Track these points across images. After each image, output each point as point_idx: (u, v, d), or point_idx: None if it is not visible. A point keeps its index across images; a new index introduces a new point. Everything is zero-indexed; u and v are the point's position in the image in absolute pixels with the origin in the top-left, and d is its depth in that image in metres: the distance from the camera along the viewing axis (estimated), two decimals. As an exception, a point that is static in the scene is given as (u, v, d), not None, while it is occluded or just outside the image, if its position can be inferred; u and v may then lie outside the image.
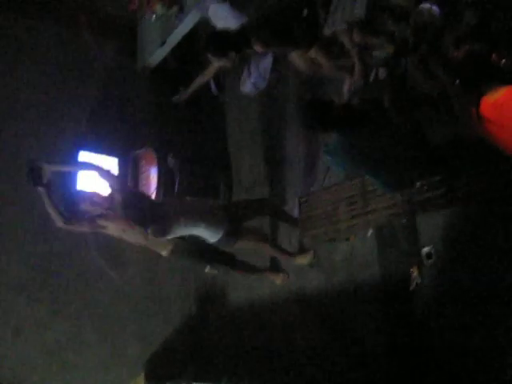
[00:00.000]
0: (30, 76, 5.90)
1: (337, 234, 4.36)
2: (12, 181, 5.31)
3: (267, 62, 5.14)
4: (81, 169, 5.09)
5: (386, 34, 3.77)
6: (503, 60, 2.81)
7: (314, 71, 4.74)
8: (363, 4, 3.96)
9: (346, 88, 4.44)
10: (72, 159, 5.43)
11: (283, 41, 4.41)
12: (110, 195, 4.34)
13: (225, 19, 5.01)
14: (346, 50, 4.26)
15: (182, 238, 4.63)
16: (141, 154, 5.82)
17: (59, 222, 4.25)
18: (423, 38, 3.41)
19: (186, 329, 6.15)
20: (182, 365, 5.95)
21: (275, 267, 5.33)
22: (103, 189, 4.44)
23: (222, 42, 4.59)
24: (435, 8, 3.44)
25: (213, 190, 5.72)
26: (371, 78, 4.00)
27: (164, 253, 4.72)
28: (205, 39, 4.81)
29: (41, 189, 4.14)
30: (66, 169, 4.84)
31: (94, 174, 4.37)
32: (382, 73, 3.89)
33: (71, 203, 4.38)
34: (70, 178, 5.24)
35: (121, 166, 5.85)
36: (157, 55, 6.02)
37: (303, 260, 5.04)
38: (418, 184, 3.66)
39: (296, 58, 4.63)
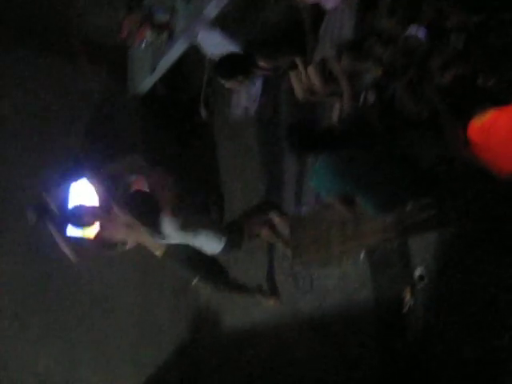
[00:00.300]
0: (18, 103, 5.90)
1: (329, 258, 4.36)
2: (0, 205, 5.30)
3: (257, 86, 5.18)
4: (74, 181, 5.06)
5: (374, 58, 3.80)
6: (489, 82, 2.85)
7: (308, 94, 4.76)
8: (351, 26, 4.01)
9: (335, 112, 4.46)
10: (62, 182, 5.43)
11: (286, 52, 4.44)
12: (104, 201, 4.34)
13: (215, 46, 5.04)
14: (334, 76, 4.30)
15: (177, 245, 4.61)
16: (131, 181, 5.80)
17: (74, 258, 4.23)
18: (411, 61, 3.45)
19: (179, 352, 6.11)
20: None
21: (268, 288, 5.29)
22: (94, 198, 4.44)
23: (229, 65, 4.61)
24: (422, 32, 3.49)
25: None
26: (360, 102, 4.03)
27: (158, 252, 4.66)
28: (214, 65, 4.82)
29: (51, 226, 4.12)
30: (64, 190, 4.82)
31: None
32: (371, 96, 3.92)
33: (72, 220, 4.37)
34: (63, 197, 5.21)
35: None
36: (147, 82, 6.04)
37: (267, 301, 5.06)
38: (409, 206, 3.67)
39: (293, 79, 4.67)
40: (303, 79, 4.49)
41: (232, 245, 4.52)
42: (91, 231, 4.60)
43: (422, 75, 3.34)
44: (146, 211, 4.29)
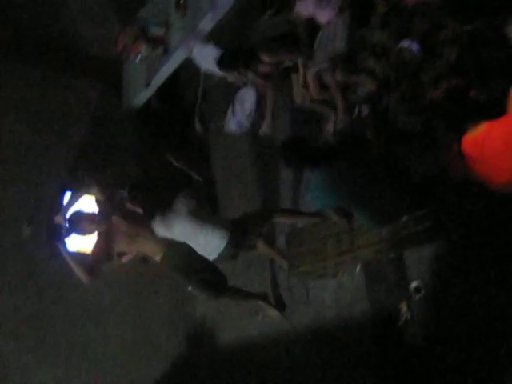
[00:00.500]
0: (14, 117, 5.90)
1: (325, 271, 4.35)
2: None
3: (251, 101, 5.20)
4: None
5: (367, 72, 3.83)
6: (482, 95, 2.86)
7: (305, 99, 4.78)
8: (343, 38, 4.04)
9: (329, 125, 4.48)
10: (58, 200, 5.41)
11: (288, 47, 4.46)
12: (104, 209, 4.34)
13: (209, 60, 5.07)
14: (329, 88, 4.33)
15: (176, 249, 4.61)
16: (125, 196, 5.80)
17: (86, 280, 4.20)
18: (404, 74, 3.47)
19: (175, 367, 6.06)
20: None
21: (271, 299, 5.28)
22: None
23: (231, 57, 4.62)
24: (415, 45, 3.52)
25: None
26: (354, 115, 4.05)
27: (157, 257, 4.62)
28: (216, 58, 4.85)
29: (60, 247, 4.11)
30: (70, 206, 4.81)
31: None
32: (365, 109, 3.94)
33: (71, 225, 4.35)
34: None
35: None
36: (142, 96, 6.06)
37: (272, 313, 5.06)
38: (404, 219, 3.67)
39: (294, 82, 4.69)
40: (301, 84, 4.52)
41: (234, 244, 4.48)
42: (88, 245, 4.58)
43: (415, 88, 3.36)
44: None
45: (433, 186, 3.52)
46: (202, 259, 4.50)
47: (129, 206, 4.76)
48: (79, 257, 4.36)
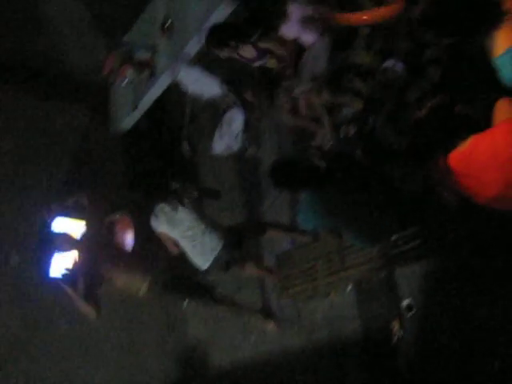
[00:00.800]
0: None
1: (316, 291, 4.34)
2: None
3: (239, 122, 5.21)
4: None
5: (353, 92, 3.86)
6: (467, 110, 2.88)
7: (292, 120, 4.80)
8: (327, 59, 4.07)
9: (318, 145, 4.50)
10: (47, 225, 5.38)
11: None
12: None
13: (196, 82, 5.09)
14: (315, 109, 4.35)
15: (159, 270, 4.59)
16: (115, 219, 5.78)
17: (93, 314, 4.19)
18: (390, 94, 3.50)
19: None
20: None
21: (266, 311, 5.26)
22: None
23: (220, 33, 4.60)
24: (399, 65, 3.55)
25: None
26: (341, 135, 4.07)
27: (141, 291, 4.59)
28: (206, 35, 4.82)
29: (64, 284, 4.10)
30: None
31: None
32: (352, 129, 3.97)
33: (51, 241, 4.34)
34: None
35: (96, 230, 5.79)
36: (129, 119, 6.06)
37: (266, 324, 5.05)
38: (394, 237, 3.69)
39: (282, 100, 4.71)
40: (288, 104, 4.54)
41: (229, 249, 4.51)
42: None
43: (401, 107, 3.39)
44: None
45: (421, 203, 3.53)
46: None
47: (117, 238, 4.78)
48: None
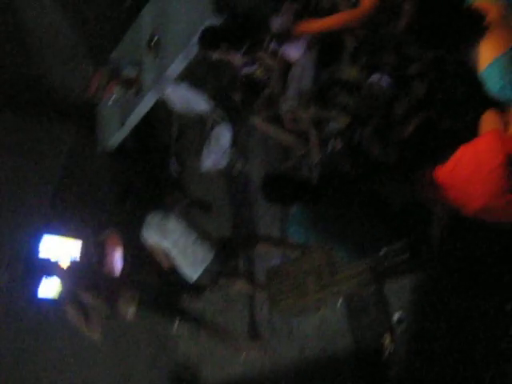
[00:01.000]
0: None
1: (307, 306, 4.34)
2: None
3: (226, 138, 5.22)
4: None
5: (339, 106, 3.87)
6: (453, 124, 2.90)
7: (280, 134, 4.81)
8: (313, 74, 4.09)
9: (307, 160, 4.51)
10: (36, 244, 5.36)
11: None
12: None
13: (183, 99, 5.09)
14: (302, 124, 4.36)
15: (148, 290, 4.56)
16: (104, 237, 5.75)
17: (96, 336, 4.17)
18: (376, 108, 3.51)
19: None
20: None
21: (254, 331, 5.24)
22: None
23: (212, 35, 4.60)
24: (385, 79, 3.56)
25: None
26: (328, 150, 4.08)
27: (129, 313, 4.56)
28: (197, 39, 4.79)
29: (70, 310, 4.08)
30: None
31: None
32: (339, 144, 3.97)
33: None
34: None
35: (85, 248, 5.77)
36: (116, 137, 6.05)
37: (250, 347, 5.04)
38: (383, 250, 3.68)
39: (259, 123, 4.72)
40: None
41: (219, 260, 4.51)
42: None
43: (388, 121, 3.40)
44: None
45: (410, 216, 3.54)
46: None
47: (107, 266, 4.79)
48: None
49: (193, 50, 5.03)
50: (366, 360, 4.27)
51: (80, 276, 4.42)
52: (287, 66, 4.33)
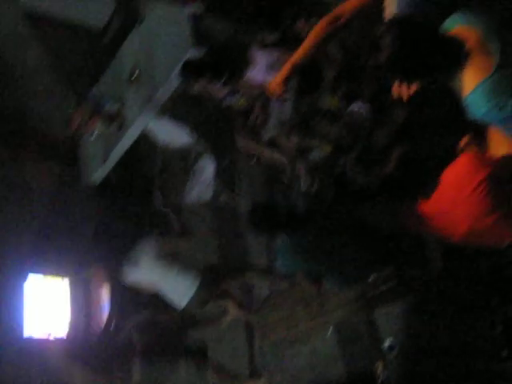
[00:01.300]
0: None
1: (297, 337, 4.31)
2: None
3: (210, 170, 5.22)
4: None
5: (321, 136, 3.89)
6: (434, 153, 2.92)
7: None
8: (290, 104, 4.12)
9: (292, 189, 4.52)
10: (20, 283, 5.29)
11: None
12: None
13: (165, 132, 5.10)
14: (284, 153, 4.38)
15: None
16: (91, 273, 5.71)
17: None
18: (357, 137, 3.53)
19: None
20: None
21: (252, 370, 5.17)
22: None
23: (194, 65, 4.60)
24: (365, 107, 3.59)
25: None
26: (313, 178, 4.10)
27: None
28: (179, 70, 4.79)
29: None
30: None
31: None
32: (322, 172, 3.99)
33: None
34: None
35: (72, 286, 5.71)
36: (100, 172, 6.02)
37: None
38: (372, 278, 3.68)
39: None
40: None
41: (205, 288, 4.54)
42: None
43: (369, 149, 3.42)
44: None
45: (396, 243, 3.54)
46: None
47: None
48: None
49: (174, 83, 5.05)
50: (359, 389, 4.25)
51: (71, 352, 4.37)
52: (267, 95, 4.37)
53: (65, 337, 4.71)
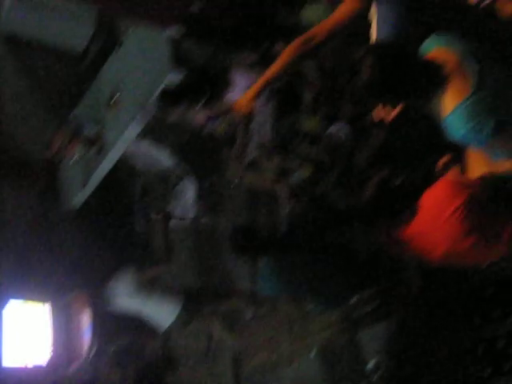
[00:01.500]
0: None
1: (281, 359, 4.29)
2: None
3: (191, 192, 5.21)
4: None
5: (301, 157, 3.90)
6: (413, 177, 2.93)
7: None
8: (272, 125, 4.13)
9: (274, 212, 4.52)
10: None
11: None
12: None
13: (145, 155, 5.08)
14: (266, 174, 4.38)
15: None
16: (71, 299, 5.63)
17: None
18: (337, 158, 3.55)
19: None
20: None
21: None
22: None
23: (173, 92, 4.59)
24: (345, 129, 3.61)
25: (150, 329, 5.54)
26: (294, 200, 4.10)
27: None
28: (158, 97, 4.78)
29: None
30: None
31: None
32: (304, 194, 4.00)
33: None
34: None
35: (54, 312, 5.63)
36: (80, 196, 5.96)
37: None
38: (353, 299, 3.68)
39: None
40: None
41: (188, 311, 4.58)
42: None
43: (350, 171, 3.43)
44: None
45: (377, 264, 3.55)
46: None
47: None
48: None
49: (154, 106, 5.04)
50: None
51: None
52: (249, 118, 4.37)
53: (45, 364, 4.61)
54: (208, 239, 5.62)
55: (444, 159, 2.86)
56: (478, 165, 2.66)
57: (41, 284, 5.73)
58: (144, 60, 5.27)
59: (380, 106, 2.87)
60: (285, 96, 4.10)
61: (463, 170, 2.78)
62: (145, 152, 5.13)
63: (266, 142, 4.06)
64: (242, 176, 4.65)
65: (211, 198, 5.46)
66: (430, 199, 2.72)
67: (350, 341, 4.12)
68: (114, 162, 5.57)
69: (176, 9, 4.74)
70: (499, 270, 3.21)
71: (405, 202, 2.75)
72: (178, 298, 4.58)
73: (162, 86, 4.85)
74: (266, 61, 4.35)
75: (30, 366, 4.79)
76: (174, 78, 4.85)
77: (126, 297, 4.61)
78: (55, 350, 4.63)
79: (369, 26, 2.91)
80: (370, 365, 4.08)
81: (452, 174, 2.80)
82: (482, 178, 2.64)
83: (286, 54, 3.09)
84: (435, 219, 2.68)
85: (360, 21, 2.93)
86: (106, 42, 6.32)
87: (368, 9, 2.89)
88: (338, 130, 3.57)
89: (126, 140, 5.28)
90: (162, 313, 4.60)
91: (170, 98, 4.47)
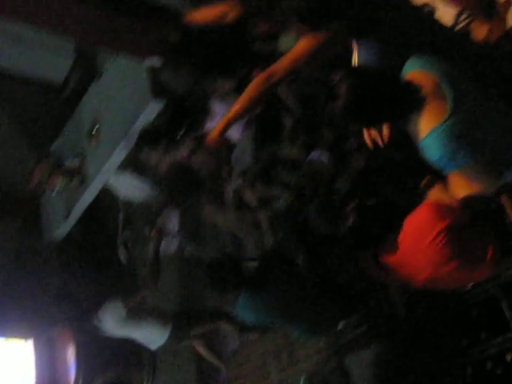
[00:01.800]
0: None
1: (269, 388, 4.24)
2: None
3: (173, 223, 5.19)
4: None
5: (282, 185, 3.90)
6: (394, 201, 2.93)
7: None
8: (252, 153, 4.13)
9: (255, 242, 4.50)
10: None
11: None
12: None
13: (127, 186, 5.06)
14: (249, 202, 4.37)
15: None
16: (55, 334, 5.56)
17: None
18: (318, 185, 3.54)
19: None
20: None
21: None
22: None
23: (153, 132, 4.58)
24: (325, 156, 3.62)
25: (136, 360, 5.47)
26: (275, 228, 4.08)
27: None
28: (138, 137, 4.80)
29: None
30: None
31: None
32: (286, 220, 3.99)
33: None
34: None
35: (37, 348, 5.54)
36: (62, 228, 5.93)
37: None
38: (340, 325, 3.66)
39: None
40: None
41: (176, 334, 4.62)
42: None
43: (331, 197, 3.43)
44: None
45: (362, 289, 3.53)
46: None
47: None
48: None
49: (134, 137, 5.04)
50: None
51: None
52: (229, 147, 4.37)
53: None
54: (193, 266, 5.58)
55: (425, 181, 2.87)
56: (458, 186, 2.66)
57: (23, 320, 5.66)
58: (124, 90, 5.28)
59: (365, 130, 2.87)
60: (264, 123, 4.11)
61: (445, 190, 2.78)
62: (127, 182, 5.10)
63: (247, 169, 4.06)
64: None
65: (194, 228, 5.43)
66: (412, 224, 2.71)
67: (338, 367, 4.09)
68: (96, 193, 5.55)
69: (154, 39, 4.75)
70: (483, 290, 3.21)
71: (387, 227, 2.74)
72: (166, 322, 4.59)
73: (142, 116, 4.86)
74: (243, 88, 4.36)
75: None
76: (154, 107, 4.86)
77: (114, 325, 4.58)
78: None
79: (347, 51, 2.93)
80: (358, 390, 4.04)
81: (435, 193, 2.80)
82: (463, 201, 2.64)
83: (247, 93, 3.10)
84: (418, 244, 2.67)
85: (338, 48, 2.95)
86: (86, 72, 6.32)
87: (335, 42, 2.90)
88: (319, 156, 3.57)
89: (108, 171, 5.27)
90: (151, 336, 4.61)
91: (149, 138, 4.48)
